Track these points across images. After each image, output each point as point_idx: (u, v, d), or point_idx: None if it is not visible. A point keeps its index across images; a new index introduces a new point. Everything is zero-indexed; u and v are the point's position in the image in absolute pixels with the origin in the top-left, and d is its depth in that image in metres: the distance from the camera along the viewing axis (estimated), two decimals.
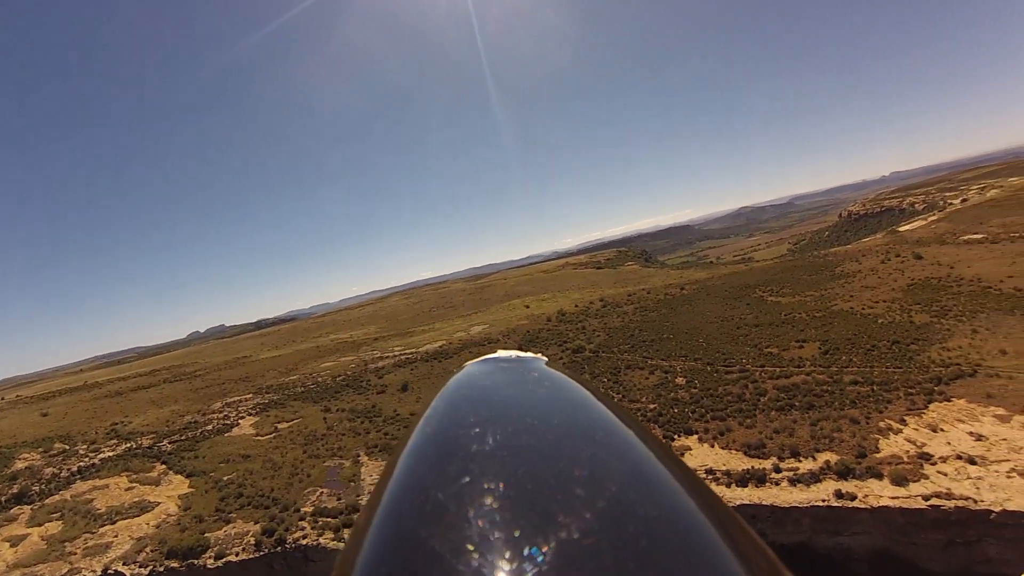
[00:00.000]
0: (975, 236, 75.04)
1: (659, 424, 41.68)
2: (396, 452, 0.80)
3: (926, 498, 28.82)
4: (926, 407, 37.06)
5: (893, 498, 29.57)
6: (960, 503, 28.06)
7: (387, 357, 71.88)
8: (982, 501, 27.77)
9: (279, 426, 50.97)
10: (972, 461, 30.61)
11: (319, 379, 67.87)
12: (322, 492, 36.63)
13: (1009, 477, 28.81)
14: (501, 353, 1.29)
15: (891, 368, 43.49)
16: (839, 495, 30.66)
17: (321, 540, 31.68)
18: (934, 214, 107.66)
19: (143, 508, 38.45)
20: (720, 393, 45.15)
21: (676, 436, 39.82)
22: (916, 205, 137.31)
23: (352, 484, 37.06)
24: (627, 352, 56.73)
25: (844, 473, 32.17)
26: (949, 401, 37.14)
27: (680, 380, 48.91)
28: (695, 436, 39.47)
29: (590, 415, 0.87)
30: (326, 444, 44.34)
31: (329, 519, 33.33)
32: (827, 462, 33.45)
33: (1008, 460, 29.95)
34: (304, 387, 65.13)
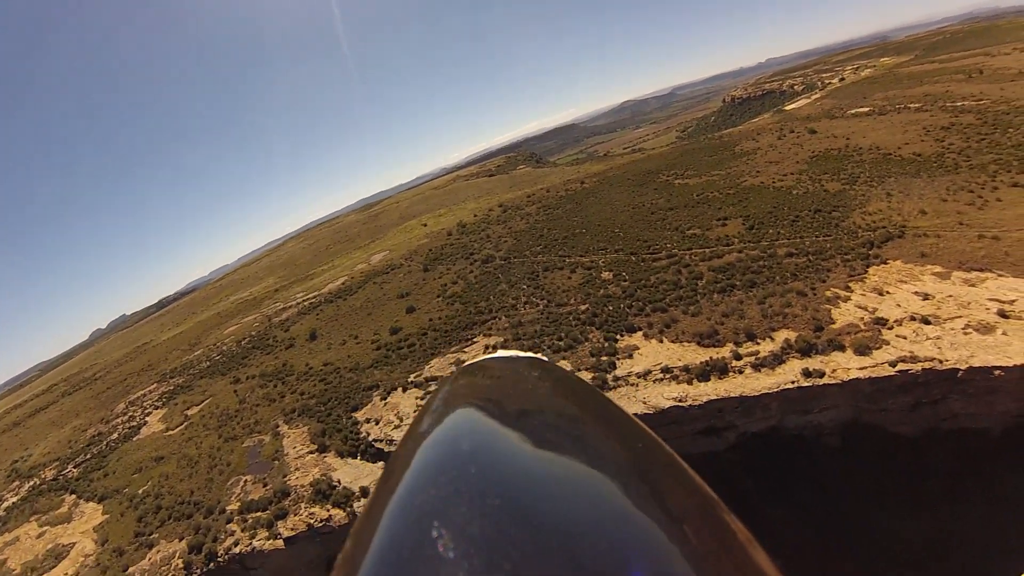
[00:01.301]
0: (862, 110, 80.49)
1: (596, 326, 38.99)
2: (391, 466, 0.86)
3: (893, 364, 29.03)
4: (866, 272, 37.95)
5: (861, 368, 29.41)
6: (926, 365, 28.62)
7: (290, 306, 71.17)
8: (947, 360, 28.50)
9: (189, 413, 49.60)
10: (927, 321, 31.42)
11: (224, 348, 66.76)
12: (245, 480, 35.08)
13: (966, 333, 29.87)
14: (501, 353, 1.37)
15: (821, 237, 44.37)
16: (807, 374, 29.79)
17: (255, 543, 29.73)
18: (816, 93, 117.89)
19: (58, 556, 35.46)
20: (654, 283, 43.47)
21: (619, 336, 37.25)
22: (796, 87, 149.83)
23: (276, 463, 35.58)
24: (541, 254, 54.91)
25: (806, 350, 31.41)
26: (886, 264, 38.36)
27: (606, 275, 46.98)
28: (639, 333, 36.92)
29: (579, 435, 0.91)
30: (241, 421, 42.94)
31: (259, 513, 31.59)
32: (787, 341, 32.49)
33: (960, 316, 31.12)
34: (210, 360, 64.25)
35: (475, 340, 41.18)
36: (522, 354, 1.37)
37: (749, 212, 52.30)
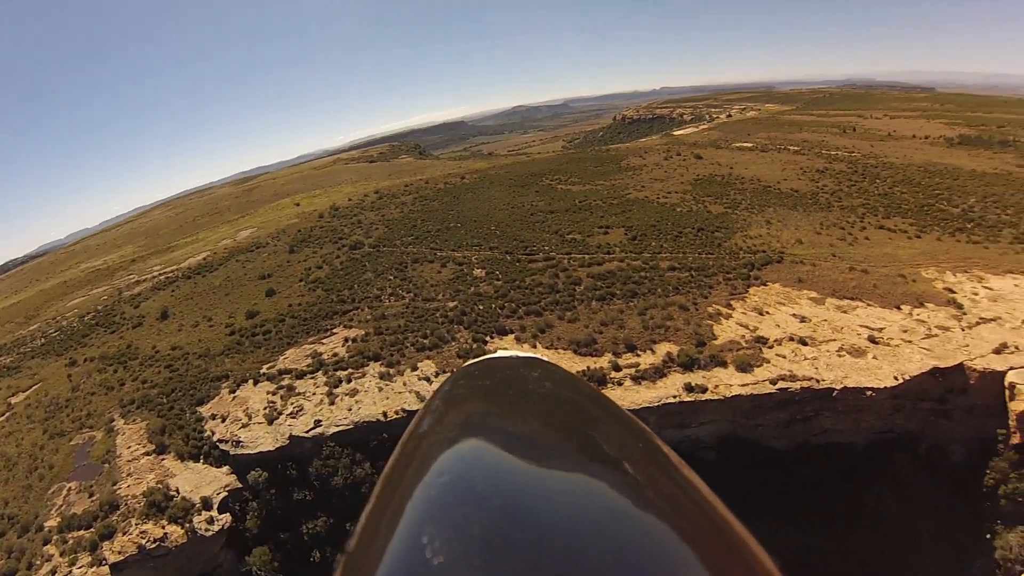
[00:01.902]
0: (745, 144, 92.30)
1: (465, 325, 38.42)
2: (391, 467, 0.95)
3: (773, 382, 30.92)
4: (746, 291, 40.96)
5: (743, 385, 30.84)
6: (804, 383, 30.92)
7: (144, 280, 71.23)
8: (823, 380, 31.02)
9: (12, 401, 46.76)
10: (803, 342, 34.21)
11: (63, 323, 64.78)
12: (69, 488, 33.11)
13: (840, 355, 32.93)
14: (501, 353, 1.48)
15: (703, 254, 47.55)
16: (689, 388, 30.47)
17: (75, 570, 27.17)
18: (704, 124, 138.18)
19: None
20: (529, 284, 43.66)
21: (489, 338, 36.64)
22: (685, 116, 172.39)
23: (106, 466, 33.73)
24: (412, 244, 55.95)
25: (689, 364, 32.29)
26: (765, 285, 41.82)
27: (478, 272, 47.01)
28: (511, 336, 36.61)
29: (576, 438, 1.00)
30: (72, 412, 40.97)
31: (81, 532, 29.11)
32: (669, 354, 33.22)
33: (834, 340, 34.37)
34: (45, 337, 61.97)
35: (334, 331, 40.97)
36: (522, 354, 1.46)
37: (632, 223, 55.30)
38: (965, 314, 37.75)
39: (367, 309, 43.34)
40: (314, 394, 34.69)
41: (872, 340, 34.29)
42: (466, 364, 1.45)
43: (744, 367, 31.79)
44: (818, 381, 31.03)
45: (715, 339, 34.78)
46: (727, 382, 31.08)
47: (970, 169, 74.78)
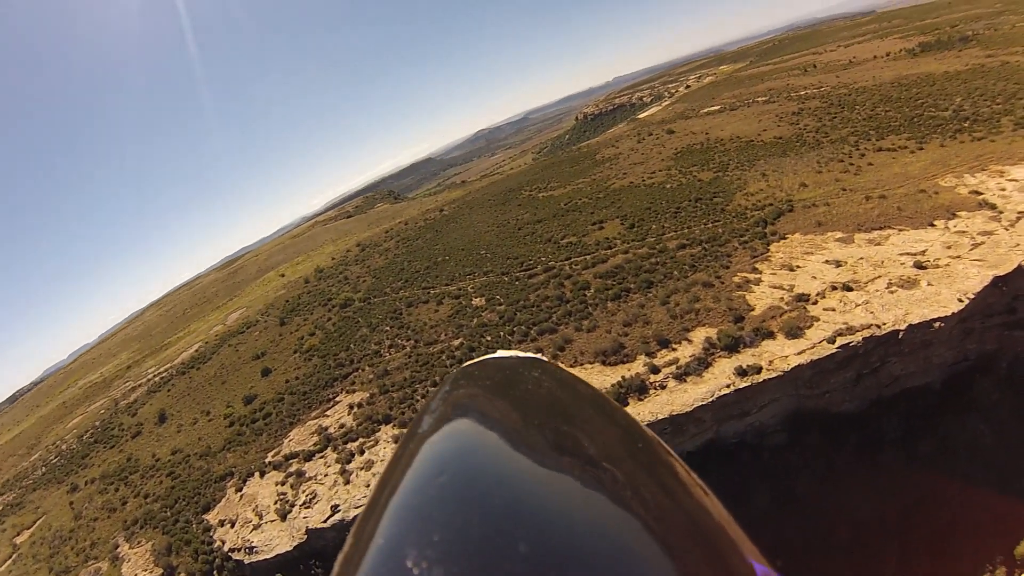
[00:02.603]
0: (713, 108, 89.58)
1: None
2: (390, 467, 0.96)
3: (831, 341, 27.55)
4: (768, 250, 37.78)
5: (799, 353, 27.48)
6: (865, 333, 27.60)
7: (140, 385, 70.19)
8: (885, 323, 27.70)
9: (18, 541, 44.64)
10: (848, 288, 30.92)
11: (63, 447, 62.92)
12: None
13: (891, 292, 29.63)
14: (501, 353, 1.49)
15: (710, 224, 44.54)
16: (741, 372, 27.08)
17: None
18: (665, 101, 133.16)
19: None
20: (534, 302, 40.61)
21: None
22: (645, 99, 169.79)
23: None
24: (403, 289, 53.92)
25: (733, 346, 28.99)
26: (785, 239, 38.66)
27: (478, 301, 43.91)
28: None
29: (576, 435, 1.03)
30: (76, 544, 38.89)
31: None
32: (708, 340, 29.89)
33: (879, 277, 31.12)
34: (46, 465, 60.22)
35: (337, 399, 38.77)
36: (522, 354, 1.47)
37: (625, 212, 52.55)
38: (1001, 212, 35.10)
39: (368, 368, 40.99)
40: (326, 475, 31.50)
41: (919, 266, 31.08)
42: (465, 364, 1.41)
43: (794, 333, 28.42)
44: (879, 327, 27.61)
45: (752, 310, 31.47)
46: (782, 354, 27.65)
47: (942, 72, 73.02)
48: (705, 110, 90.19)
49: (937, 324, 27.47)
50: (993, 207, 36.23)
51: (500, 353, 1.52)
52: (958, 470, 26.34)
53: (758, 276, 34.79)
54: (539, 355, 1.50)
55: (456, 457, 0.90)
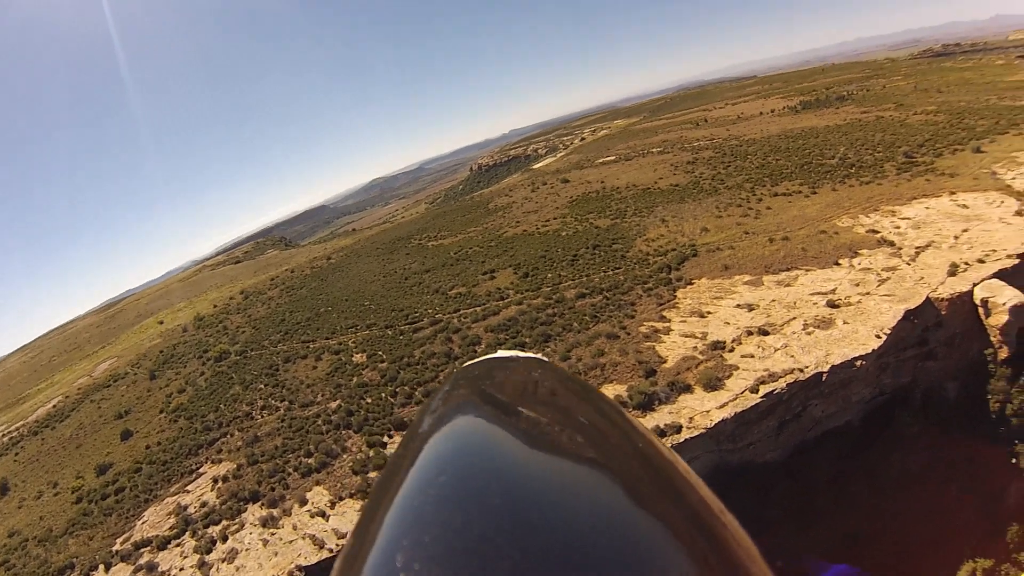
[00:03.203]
0: (609, 158, 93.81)
1: (355, 428, 32.88)
2: (396, 456, 1.03)
3: (754, 390, 26.24)
4: (674, 296, 36.95)
5: (721, 407, 25.78)
6: (788, 378, 26.51)
7: None
8: (807, 366, 27.03)
9: None
10: (764, 332, 30.14)
11: None
12: None
13: (809, 333, 29.11)
14: (501, 353, 1.57)
15: (610, 271, 43.64)
16: (660, 433, 24.56)
17: None
18: (560, 152, 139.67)
19: None
20: (419, 359, 38.13)
21: (387, 437, 31.20)
22: (540, 151, 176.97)
23: None
24: (282, 342, 52.81)
25: (647, 404, 26.97)
26: (692, 284, 38.10)
27: (359, 357, 41.82)
28: None
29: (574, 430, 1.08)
30: None
31: None
32: (618, 398, 27.34)
33: (794, 317, 30.69)
34: None
35: (201, 470, 35.72)
36: (522, 354, 1.54)
37: (519, 260, 51.71)
38: (901, 249, 37.05)
39: (237, 432, 37.98)
40: (182, 570, 26.24)
41: (832, 305, 31.16)
42: (465, 365, 1.50)
43: (713, 384, 26.80)
44: (801, 370, 26.72)
45: (664, 362, 29.72)
46: (702, 408, 25.78)
47: (824, 126, 79.98)
48: (600, 160, 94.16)
49: (859, 363, 27.18)
50: (892, 244, 38.00)
51: (501, 353, 1.57)
52: (888, 507, 26.19)
53: (667, 325, 33.38)
54: (539, 355, 1.54)
55: (456, 457, 0.92)
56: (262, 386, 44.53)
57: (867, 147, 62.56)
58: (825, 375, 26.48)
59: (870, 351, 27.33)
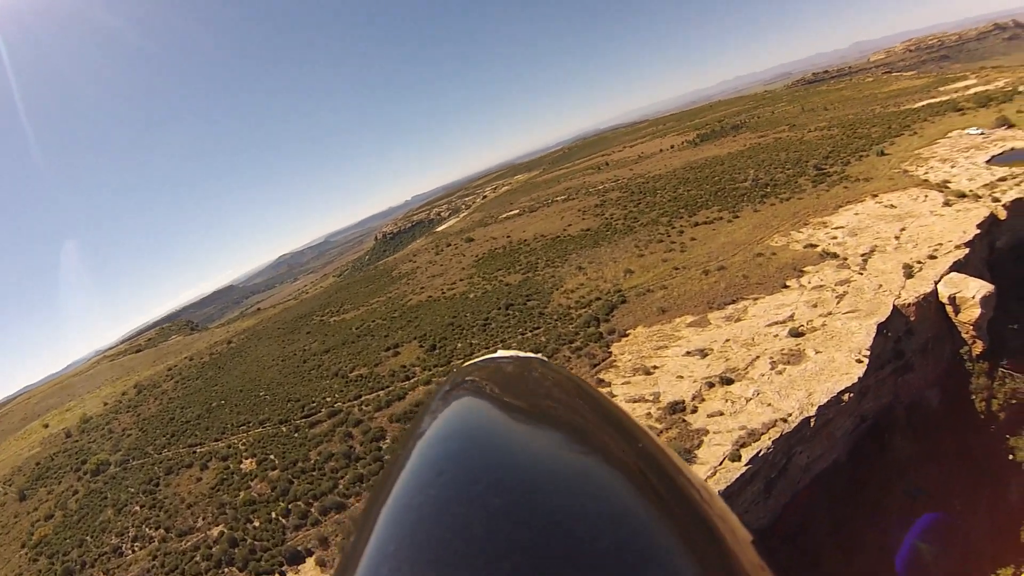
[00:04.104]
0: (512, 212, 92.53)
1: (240, 564, 28.83)
2: (396, 456, 1.05)
3: (735, 458, 21.44)
4: (609, 353, 32.58)
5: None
6: (772, 433, 21.85)
7: None
8: (790, 413, 22.57)
9: None
10: (728, 380, 25.99)
11: None
12: None
13: (780, 372, 24.99)
14: (501, 353, 1.61)
15: (529, 332, 39.05)
16: None
17: None
18: (463, 212, 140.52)
19: None
20: (315, 462, 34.22)
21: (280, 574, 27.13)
22: (443, 213, 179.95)
23: None
24: (167, 447, 48.72)
25: None
26: (627, 336, 33.85)
27: (248, 464, 38.04)
28: (311, 559, 27.03)
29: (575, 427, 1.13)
30: None
31: None
32: None
33: (758, 357, 26.86)
34: None
35: None
36: (522, 354, 1.57)
37: (424, 331, 48.29)
38: (846, 259, 35.09)
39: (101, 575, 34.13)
40: None
41: (796, 334, 27.60)
42: (465, 364, 1.50)
43: (683, 456, 21.56)
44: (785, 419, 22.31)
45: None
46: None
47: (726, 153, 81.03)
48: (504, 215, 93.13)
49: (846, 396, 23.46)
50: (835, 255, 35.80)
51: (500, 353, 1.59)
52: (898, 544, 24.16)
53: (608, 390, 28.50)
54: (540, 355, 1.57)
55: (456, 456, 0.94)
56: (138, 508, 40.83)
57: (775, 166, 62.66)
58: (813, 419, 22.14)
59: (855, 380, 23.85)
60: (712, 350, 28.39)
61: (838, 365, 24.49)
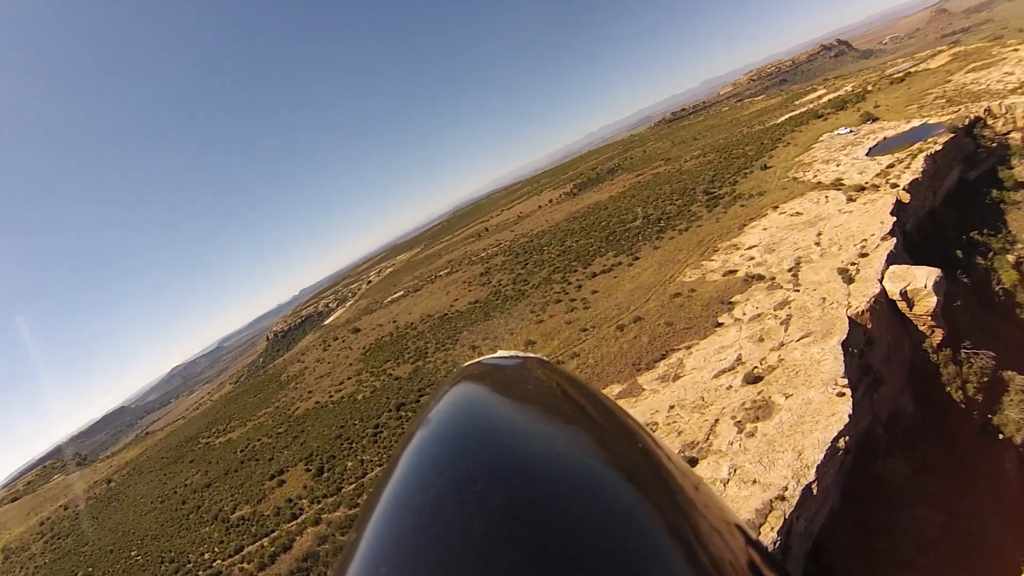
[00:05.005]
0: (397, 294, 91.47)
1: None
2: (396, 456, 1.05)
3: None
4: None
5: None
6: (775, 518, 17.08)
7: None
8: (786, 487, 18.18)
9: None
10: (691, 462, 20.38)
11: None
12: None
13: (751, 436, 20.49)
14: (501, 353, 1.60)
15: None
16: None
17: None
18: (350, 301, 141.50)
19: None
20: None
21: None
22: (331, 304, 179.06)
23: None
24: None
25: None
26: None
27: None
28: None
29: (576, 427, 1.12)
30: None
31: None
32: None
33: (715, 420, 22.33)
34: None
35: None
36: (522, 354, 1.58)
37: (311, 448, 44.83)
38: (775, 278, 31.93)
39: None
40: None
41: (753, 380, 23.08)
42: (466, 364, 1.48)
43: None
44: (782, 496, 17.33)
45: None
46: None
47: (607, 197, 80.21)
48: (389, 299, 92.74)
49: (842, 441, 18.78)
50: (760, 277, 32.71)
51: (500, 353, 1.59)
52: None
53: None
54: (540, 355, 1.57)
55: (456, 456, 0.95)
56: None
57: (662, 200, 61.27)
58: (815, 485, 17.20)
59: (846, 420, 19.51)
60: (657, 424, 23.18)
61: (818, 407, 19.95)
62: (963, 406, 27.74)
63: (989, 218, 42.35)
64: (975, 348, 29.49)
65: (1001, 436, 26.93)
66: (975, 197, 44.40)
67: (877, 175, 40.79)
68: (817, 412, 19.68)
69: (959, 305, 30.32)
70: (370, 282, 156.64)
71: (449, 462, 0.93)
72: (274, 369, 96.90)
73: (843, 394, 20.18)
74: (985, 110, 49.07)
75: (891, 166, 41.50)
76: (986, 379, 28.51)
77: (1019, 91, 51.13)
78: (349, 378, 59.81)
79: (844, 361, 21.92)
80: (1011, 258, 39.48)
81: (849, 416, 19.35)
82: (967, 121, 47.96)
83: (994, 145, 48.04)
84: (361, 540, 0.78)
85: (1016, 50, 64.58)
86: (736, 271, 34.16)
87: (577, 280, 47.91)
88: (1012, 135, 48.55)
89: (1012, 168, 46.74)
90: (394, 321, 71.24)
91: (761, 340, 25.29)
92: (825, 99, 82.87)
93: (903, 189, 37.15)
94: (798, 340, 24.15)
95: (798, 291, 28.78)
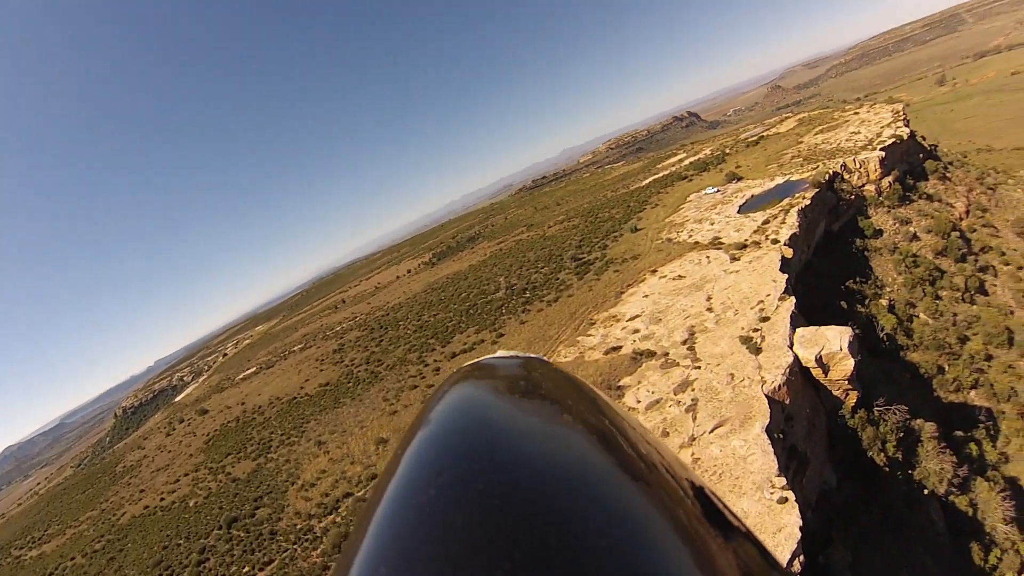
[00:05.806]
0: (250, 371, 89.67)
1: None
2: (396, 456, 1.00)
3: None
4: None
5: None
6: None
7: None
8: None
9: None
10: None
11: None
12: None
13: None
14: (501, 353, 1.56)
15: (257, 571, 27.75)
16: None
17: None
18: (203, 375, 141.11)
19: None
20: None
21: None
22: (185, 378, 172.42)
23: None
24: None
25: None
26: None
27: None
28: None
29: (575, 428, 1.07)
30: None
31: None
32: None
33: None
34: None
35: None
36: (522, 354, 1.54)
37: None
38: (667, 355, 28.53)
39: None
40: None
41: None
42: (466, 364, 1.40)
43: None
44: None
45: None
46: None
47: (468, 267, 78.20)
48: (241, 376, 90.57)
49: (798, 562, 15.18)
50: (652, 353, 29.15)
51: (500, 353, 1.55)
52: None
53: None
54: (540, 356, 1.52)
55: (456, 456, 0.94)
56: None
57: (527, 268, 59.06)
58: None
59: (798, 534, 16.11)
60: None
61: (756, 522, 15.91)
62: (887, 469, 27.50)
63: (857, 266, 44.58)
64: (887, 404, 29.26)
65: (926, 491, 27.38)
66: (842, 247, 46.65)
67: (755, 231, 40.25)
68: (758, 531, 15.43)
69: (860, 359, 28.93)
70: (226, 355, 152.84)
71: (449, 462, 0.92)
72: (112, 457, 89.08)
73: (785, 499, 16.27)
74: (841, 165, 53.44)
75: (767, 222, 41.46)
76: (902, 434, 28.63)
77: (869, 147, 55.39)
78: (186, 474, 54.67)
79: (775, 454, 18.03)
80: (884, 302, 42.15)
81: (800, 530, 15.30)
82: (827, 176, 50.47)
83: (852, 197, 52.27)
84: (362, 540, 0.77)
85: (856, 113, 69.85)
86: (620, 347, 30.56)
87: (435, 361, 44.00)
88: (867, 187, 53.98)
89: (870, 217, 51.16)
90: (242, 403, 67.00)
91: (666, 435, 21.17)
92: (687, 162, 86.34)
93: (784, 244, 36.41)
94: (712, 431, 20.22)
95: (699, 367, 25.30)
